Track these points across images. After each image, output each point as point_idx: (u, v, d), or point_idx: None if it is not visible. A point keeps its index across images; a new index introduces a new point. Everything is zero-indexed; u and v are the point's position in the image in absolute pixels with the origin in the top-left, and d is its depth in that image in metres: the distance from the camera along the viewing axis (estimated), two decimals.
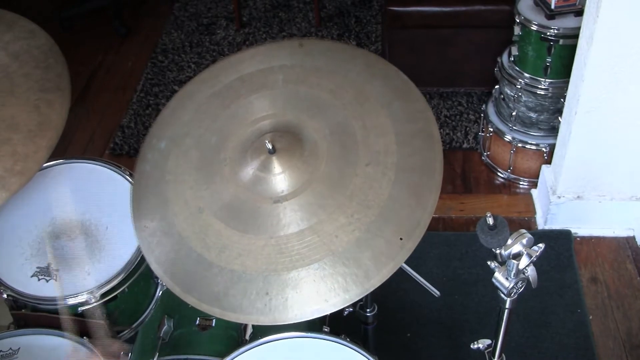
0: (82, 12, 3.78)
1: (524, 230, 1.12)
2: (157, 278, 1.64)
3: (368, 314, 1.57)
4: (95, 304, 1.46)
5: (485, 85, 2.85)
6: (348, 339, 1.27)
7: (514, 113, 2.46)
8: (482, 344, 1.37)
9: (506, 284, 1.14)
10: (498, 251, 1.12)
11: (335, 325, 1.43)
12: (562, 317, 2.11)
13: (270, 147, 1.15)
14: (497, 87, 2.59)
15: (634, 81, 1.98)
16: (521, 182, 2.60)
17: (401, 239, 1.06)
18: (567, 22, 2.23)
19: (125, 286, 1.50)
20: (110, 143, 2.95)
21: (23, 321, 1.49)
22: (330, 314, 1.07)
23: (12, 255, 1.50)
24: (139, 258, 1.51)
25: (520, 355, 2.02)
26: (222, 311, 1.07)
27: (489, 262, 1.15)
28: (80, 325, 1.46)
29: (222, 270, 1.10)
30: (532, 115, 2.44)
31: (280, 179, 1.14)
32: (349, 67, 1.26)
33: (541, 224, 2.43)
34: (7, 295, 1.46)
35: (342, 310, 1.12)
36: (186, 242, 1.14)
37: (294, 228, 1.10)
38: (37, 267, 1.48)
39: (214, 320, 1.45)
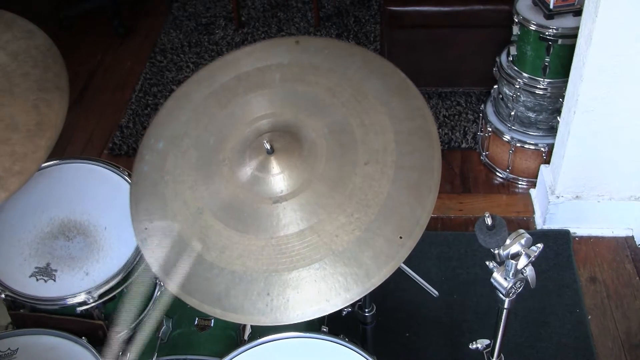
0: (80, 12, 3.77)
1: (522, 230, 1.12)
2: (155, 278, 1.63)
3: (367, 314, 1.57)
4: (93, 304, 1.46)
5: (484, 85, 2.85)
6: (347, 339, 1.27)
7: (512, 113, 2.47)
8: (480, 344, 1.37)
9: (505, 284, 1.14)
10: (497, 251, 1.12)
11: (333, 325, 1.43)
12: (561, 317, 2.11)
13: (269, 147, 1.14)
14: (495, 87, 2.59)
15: (632, 81, 1.98)
16: (520, 182, 2.60)
17: (401, 237, 1.06)
18: (566, 21, 2.23)
19: (123, 286, 1.50)
20: (109, 143, 2.94)
21: (21, 321, 1.49)
22: (329, 313, 1.07)
23: (11, 255, 1.49)
24: (137, 258, 1.50)
25: (519, 355, 2.02)
26: (223, 312, 1.07)
27: (487, 262, 1.15)
28: (79, 325, 1.46)
29: (222, 271, 1.09)
30: (531, 115, 2.44)
31: (279, 179, 1.14)
32: (347, 65, 1.26)
33: (540, 223, 2.43)
34: (5, 295, 1.45)
35: (341, 310, 1.12)
36: (186, 242, 1.13)
37: (294, 228, 1.10)
38: (36, 267, 1.48)
39: (212, 321, 1.45)
